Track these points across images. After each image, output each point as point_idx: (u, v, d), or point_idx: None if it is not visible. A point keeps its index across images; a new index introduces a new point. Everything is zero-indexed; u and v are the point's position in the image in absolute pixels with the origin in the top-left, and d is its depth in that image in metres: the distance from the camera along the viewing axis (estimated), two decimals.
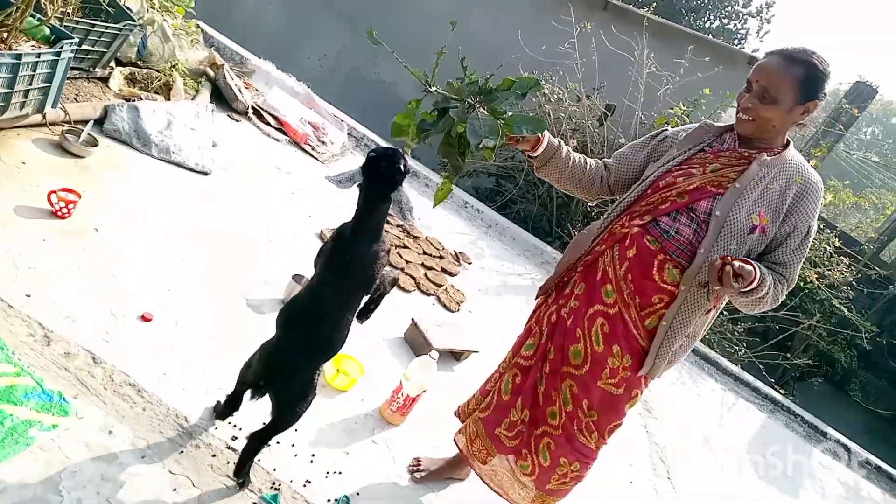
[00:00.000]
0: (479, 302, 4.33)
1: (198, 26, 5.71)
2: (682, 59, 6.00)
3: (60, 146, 3.04)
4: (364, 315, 1.92)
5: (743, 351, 5.95)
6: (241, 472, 1.97)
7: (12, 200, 2.57)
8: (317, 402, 2.54)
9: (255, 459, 2.03)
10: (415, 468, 2.46)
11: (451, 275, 4.43)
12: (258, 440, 1.96)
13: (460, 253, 4.86)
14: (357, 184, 1.75)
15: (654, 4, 7.17)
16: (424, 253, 4.45)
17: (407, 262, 4.15)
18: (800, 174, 1.78)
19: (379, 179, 1.72)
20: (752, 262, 1.70)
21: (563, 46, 6.22)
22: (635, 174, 2.04)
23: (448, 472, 2.49)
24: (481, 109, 1.63)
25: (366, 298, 1.87)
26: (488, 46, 7.80)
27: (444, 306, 3.94)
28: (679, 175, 1.85)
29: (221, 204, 3.55)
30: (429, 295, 3.97)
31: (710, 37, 7.01)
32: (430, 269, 4.26)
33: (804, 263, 5.77)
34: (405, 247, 4.36)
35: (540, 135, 1.89)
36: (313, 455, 2.29)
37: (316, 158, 5.04)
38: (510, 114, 1.70)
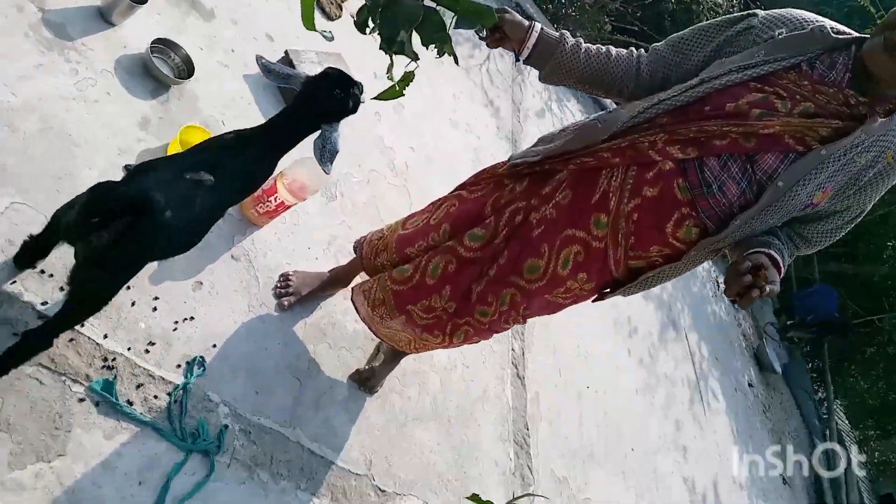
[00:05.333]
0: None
1: None
2: None
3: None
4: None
5: None
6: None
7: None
8: None
9: (79, 327, 1.48)
10: (283, 290, 1.98)
11: None
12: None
13: None
14: (290, 88, 1.38)
15: None
16: None
17: None
18: (894, 151, 1.28)
19: (325, 100, 1.35)
20: (781, 262, 1.32)
21: None
22: (690, 75, 1.40)
23: (321, 291, 2.07)
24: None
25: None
26: None
27: None
28: (757, 103, 1.29)
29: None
30: None
31: None
32: None
33: None
34: None
35: (517, 23, 1.41)
36: (156, 298, 1.67)
37: None
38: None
